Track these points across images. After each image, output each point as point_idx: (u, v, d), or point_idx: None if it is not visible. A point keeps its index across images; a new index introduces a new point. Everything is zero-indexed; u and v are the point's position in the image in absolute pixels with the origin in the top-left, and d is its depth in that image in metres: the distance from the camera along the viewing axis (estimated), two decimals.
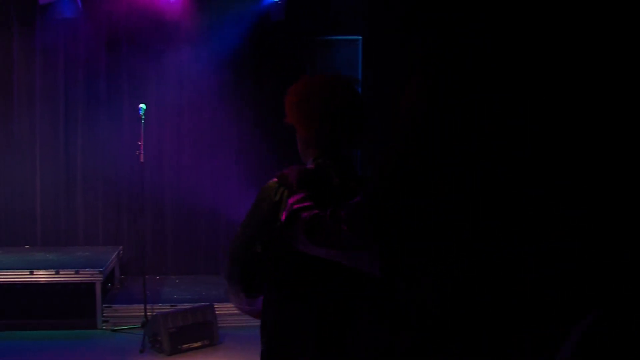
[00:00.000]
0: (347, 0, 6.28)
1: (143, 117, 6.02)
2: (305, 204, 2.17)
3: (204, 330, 6.00)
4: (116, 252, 7.16)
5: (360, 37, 5.95)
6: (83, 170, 7.56)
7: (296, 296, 2.35)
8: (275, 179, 2.35)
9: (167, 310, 6.23)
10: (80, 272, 6.39)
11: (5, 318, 6.50)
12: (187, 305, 6.27)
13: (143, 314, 6.19)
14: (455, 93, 1.72)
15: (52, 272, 6.38)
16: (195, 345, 5.90)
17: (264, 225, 2.31)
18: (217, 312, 6.11)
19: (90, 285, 7.02)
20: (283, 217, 2.20)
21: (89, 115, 7.51)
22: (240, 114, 7.27)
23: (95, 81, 7.52)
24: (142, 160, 6.01)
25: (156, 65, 7.50)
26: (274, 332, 2.40)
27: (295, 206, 2.17)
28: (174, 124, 7.52)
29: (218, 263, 7.51)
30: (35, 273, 6.37)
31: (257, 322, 2.83)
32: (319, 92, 2.36)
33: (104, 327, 6.38)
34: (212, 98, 7.45)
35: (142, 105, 6.06)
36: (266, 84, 6.88)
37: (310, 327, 2.32)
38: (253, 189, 4.77)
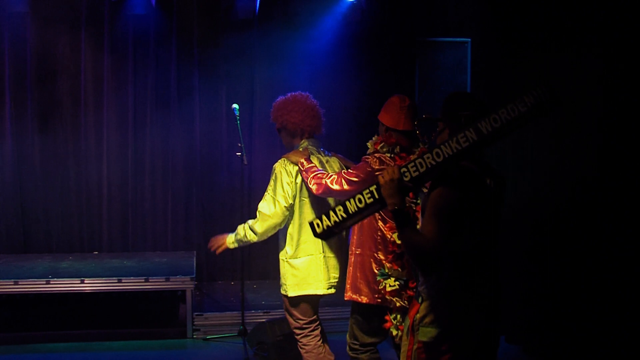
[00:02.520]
0: (456, 1, 6.24)
1: (238, 117, 5.80)
2: None
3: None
4: (194, 258, 6.94)
5: (469, 40, 5.89)
6: (151, 172, 7.35)
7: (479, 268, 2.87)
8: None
9: (262, 317, 6.09)
10: (171, 280, 6.15)
11: (93, 328, 6.29)
12: (281, 312, 6.12)
13: (239, 321, 5.99)
14: None
15: (142, 279, 6.13)
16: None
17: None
18: None
19: (179, 293, 6.97)
20: None
21: (158, 115, 7.28)
22: (345, 114, 7.12)
23: (165, 78, 7.29)
24: (245, 162, 5.81)
25: (227, 63, 7.29)
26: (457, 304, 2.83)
27: None
28: (246, 123, 7.33)
29: None
30: (123, 281, 6.11)
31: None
32: None
33: (195, 336, 6.16)
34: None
35: (235, 105, 5.83)
36: (372, 84, 6.76)
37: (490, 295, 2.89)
38: None
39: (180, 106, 7.26)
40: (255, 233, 4.22)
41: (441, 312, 2.82)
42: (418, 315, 2.88)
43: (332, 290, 4.33)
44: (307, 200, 4.25)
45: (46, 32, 7.07)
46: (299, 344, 4.41)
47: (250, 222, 4.26)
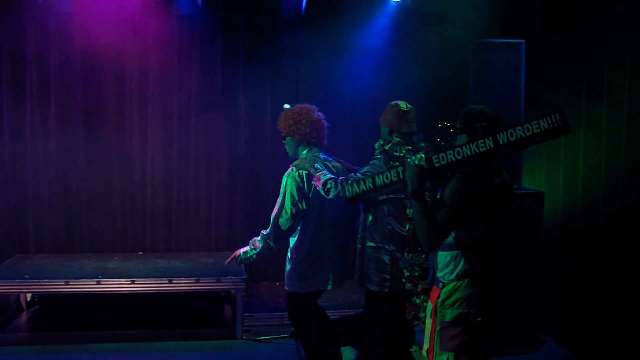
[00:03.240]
0: (510, 3, 6.21)
1: None
2: None
3: (359, 338, 5.85)
4: None
5: (523, 41, 5.85)
6: (195, 172, 7.34)
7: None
8: None
9: None
10: (222, 280, 6.13)
11: (142, 328, 6.30)
12: (331, 313, 6.10)
13: (290, 323, 5.97)
14: None
15: (193, 280, 6.12)
16: None
17: None
18: None
19: (222, 294, 7.06)
20: None
21: (203, 115, 7.27)
22: None
23: (210, 78, 7.27)
24: None
25: (272, 63, 7.25)
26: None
27: None
28: None
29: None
30: (174, 282, 6.10)
31: None
32: None
33: (245, 337, 6.14)
34: (349, 96, 7.29)
35: (287, 105, 5.81)
36: (425, 86, 6.73)
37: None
38: None
39: (224, 106, 7.24)
40: (271, 240, 4.54)
41: (459, 295, 3.37)
42: (440, 299, 3.42)
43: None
44: (319, 205, 4.60)
45: (91, 31, 7.04)
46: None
47: (264, 232, 4.59)
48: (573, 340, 6.00)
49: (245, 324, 6.18)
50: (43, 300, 7.07)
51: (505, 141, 3.27)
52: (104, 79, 7.15)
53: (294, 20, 7.16)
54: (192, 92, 7.25)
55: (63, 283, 6.06)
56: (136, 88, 7.20)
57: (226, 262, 4.80)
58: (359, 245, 4.51)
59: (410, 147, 4.31)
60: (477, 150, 3.31)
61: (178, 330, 6.27)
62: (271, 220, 4.56)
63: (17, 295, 6.78)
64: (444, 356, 3.41)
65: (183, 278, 6.13)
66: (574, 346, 5.92)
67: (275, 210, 4.55)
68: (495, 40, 5.92)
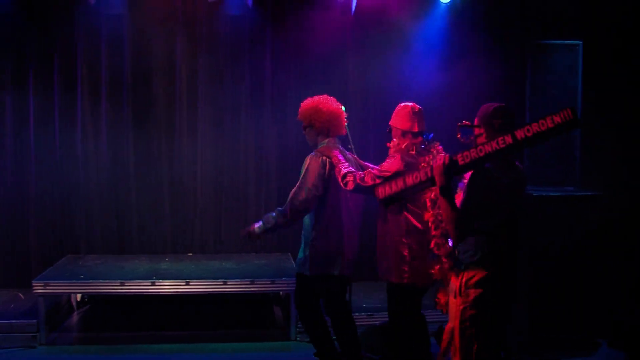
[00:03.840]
0: (567, 3, 6.17)
1: (347, 123, 5.76)
2: None
3: (415, 340, 5.81)
4: (291, 259, 6.92)
5: (581, 42, 5.80)
6: (245, 173, 7.36)
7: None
8: None
9: (365, 320, 6.05)
10: (276, 282, 6.15)
11: (195, 329, 6.34)
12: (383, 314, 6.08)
13: None
14: None
15: (247, 282, 6.13)
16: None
17: None
18: None
19: (271, 295, 7.07)
20: None
21: (252, 115, 7.29)
22: (449, 115, 7.05)
23: (259, 79, 7.29)
24: None
25: (322, 64, 7.28)
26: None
27: None
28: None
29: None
30: (229, 283, 6.11)
31: None
32: None
33: (298, 339, 6.13)
34: (397, 96, 7.18)
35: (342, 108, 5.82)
36: (481, 87, 6.70)
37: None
38: None
39: (274, 106, 7.25)
40: (285, 217, 4.69)
41: (481, 277, 3.69)
42: (463, 280, 3.75)
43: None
44: (338, 191, 4.70)
45: (142, 33, 7.10)
46: None
47: (279, 209, 4.73)
48: (628, 344, 5.93)
49: (298, 325, 6.17)
50: (92, 300, 7.12)
51: (523, 137, 3.56)
52: (154, 79, 7.19)
53: (344, 19, 7.14)
54: (242, 91, 7.26)
55: (118, 284, 6.09)
56: (186, 88, 7.23)
57: (241, 236, 4.96)
58: (378, 239, 4.68)
59: (423, 146, 4.57)
60: (498, 147, 3.60)
61: (230, 331, 6.29)
62: (289, 197, 4.70)
63: (69, 295, 6.82)
64: (468, 334, 3.74)
65: (238, 279, 6.14)
66: (628, 350, 5.86)
67: (294, 189, 4.70)
68: (552, 41, 5.87)
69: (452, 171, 3.69)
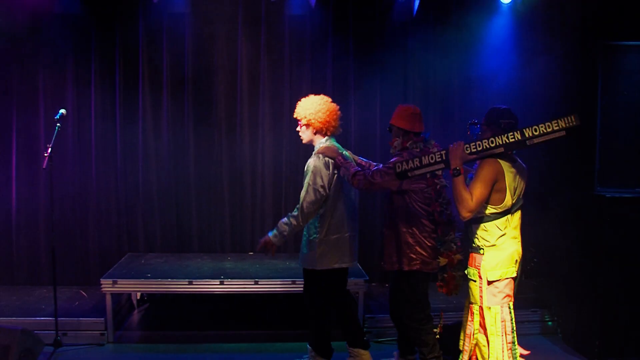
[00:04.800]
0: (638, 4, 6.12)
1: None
2: None
3: None
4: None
5: None
6: (295, 174, 7.32)
7: None
8: None
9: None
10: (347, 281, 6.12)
11: (262, 328, 6.38)
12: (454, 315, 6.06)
13: None
14: None
15: None
16: None
17: None
18: None
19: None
20: None
21: None
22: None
23: (321, 79, 7.27)
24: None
25: (382, 64, 7.27)
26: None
27: None
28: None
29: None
30: (297, 282, 6.11)
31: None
32: None
33: (366, 339, 6.10)
34: (457, 99, 7.32)
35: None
36: (551, 87, 6.68)
37: None
38: None
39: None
40: (298, 220, 4.88)
41: (498, 259, 4.31)
42: (483, 262, 4.34)
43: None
44: (339, 189, 4.98)
45: (204, 32, 7.11)
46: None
47: (292, 214, 4.91)
48: None
49: (366, 325, 6.17)
50: (152, 298, 7.14)
51: (530, 135, 4.15)
52: (215, 77, 7.19)
53: (404, 21, 7.14)
54: (303, 92, 7.19)
55: (186, 283, 6.12)
56: (247, 87, 7.23)
57: (257, 249, 5.07)
58: (385, 230, 4.98)
59: (423, 145, 4.87)
60: (507, 141, 4.19)
61: (297, 331, 6.26)
62: (300, 201, 4.88)
63: (129, 293, 6.83)
64: (493, 310, 4.35)
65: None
66: None
67: (303, 192, 4.89)
68: (625, 42, 5.85)
69: (464, 156, 4.20)
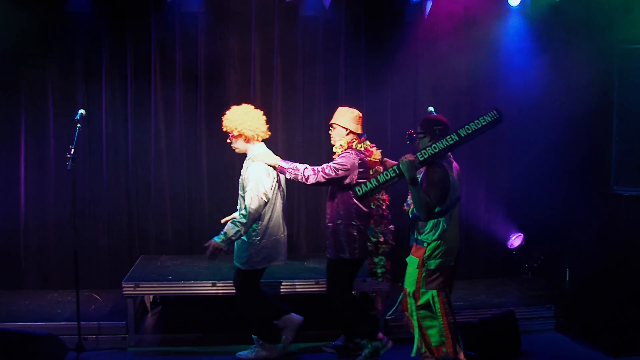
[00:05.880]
0: None
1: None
2: None
3: (510, 337, 5.94)
4: None
5: None
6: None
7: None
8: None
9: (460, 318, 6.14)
10: (368, 281, 6.11)
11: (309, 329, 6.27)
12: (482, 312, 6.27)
13: None
14: None
15: None
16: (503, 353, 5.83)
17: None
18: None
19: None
20: None
21: (327, 117, 7.22)
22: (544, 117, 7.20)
23: (333, 80, 7.31)
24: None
25: (392, 66, 7.33)
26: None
27: None
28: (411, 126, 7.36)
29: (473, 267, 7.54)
30: (320, 282, 6.11)
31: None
32: None
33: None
34: (467, 100, 7.45)
35: (431, 108, 5.92)
36: (568, 90, 6.82)
37: None
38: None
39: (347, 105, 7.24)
40: (246, 226, 5.11)
41: (440, 250, 4.69)
42: (426, 254, 4.70)
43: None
44: (276, 194, 5.31)
45: (216, 32, 7.07)
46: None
47: (239, 220, 5.12)
48: None
49: (389, 324, 6.22)
50: (165, 301, 7.05)
51: (465, 134, 4.60)
52: (228, 78, 7.16)
53: (416, 22, 7.22)
54: (315, 93, 7.28)
55: (210, 285, 6.09)
56: (260, 88, 7.21)
57: (207, 255, 5.16)
58: (329, 224, 5.38)
59: (367, 144, 5.42)
60: (447, 143, 4.60)
61: (319, 331, 6.25)
62: (246, 208, 5.10)
63: (142, 296, 6.74)
64: (429, 293, 4.71)
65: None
66: None
67: (248, 201, 5.10)
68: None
69: (416, 166, 4.55)
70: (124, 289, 6.00)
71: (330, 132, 5.53)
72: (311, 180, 5.19)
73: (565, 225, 7.13)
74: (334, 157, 5.42)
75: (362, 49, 7.27)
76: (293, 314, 5.64)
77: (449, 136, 4.62)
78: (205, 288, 6.06)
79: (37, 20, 6.76)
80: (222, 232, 5.12)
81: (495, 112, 4.64)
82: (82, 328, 5.73)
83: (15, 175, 6.94)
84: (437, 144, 4.61)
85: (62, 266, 7.05)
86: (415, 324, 4.83)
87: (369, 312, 5.79)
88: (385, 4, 7.21)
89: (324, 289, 5.76)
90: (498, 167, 7.59)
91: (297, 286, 6.18)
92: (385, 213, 5.44)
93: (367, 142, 5.46)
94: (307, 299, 6.33)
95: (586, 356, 5.92)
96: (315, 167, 5.23)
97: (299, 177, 5.20)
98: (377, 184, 4.76)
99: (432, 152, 4.61)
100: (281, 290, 6.14)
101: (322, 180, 5.20)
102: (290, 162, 5.28)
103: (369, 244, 5.40)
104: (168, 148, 7.11)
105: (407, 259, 4.89)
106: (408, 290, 4.83)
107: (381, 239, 5.41)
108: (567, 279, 6.66)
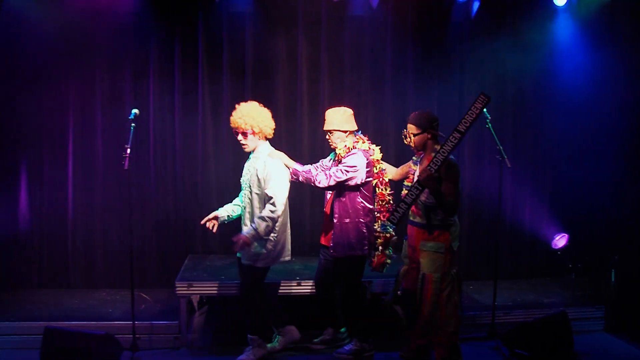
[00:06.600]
0: None
1: (489, 119, 5.85)
2: None
3: (563, 337, 5.92)
4: None
5: None
6: None
7: None
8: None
9: (503, 317, 6.23)
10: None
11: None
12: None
13: (490, 322, 6.10)
14: None
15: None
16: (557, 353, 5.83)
17: None
18: None
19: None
20: None
21: (374, 118, 7.31)
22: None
23: (379, 80, 7.30)
24: (509, 165, 5.86)
25: (440, 65, 7.34)
26: None
27: None
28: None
29: (508, 267, 7.52)
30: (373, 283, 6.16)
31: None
32: None
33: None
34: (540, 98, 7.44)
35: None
36: (624, 89, 6.84)
37: None
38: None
39: (393, 106, 7.28)
40: (274, 221, 5.17)
41: (457, 231, 5.14)
42: (451, 236, 5.06)
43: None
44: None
45: (264, 31, 7.08)
46: None
47: (268, 215, 5.11)
48: None
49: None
50: (210, 301, 7.03)
51: (465, 128, 4.75)
52: (275, 78, 7.17)
53: (463, 22, 7.22)
54: (362, 92, 7.27)
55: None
56: (307, 88, 7.21)
57: (237, 251, 5.23)
58: (337, 223, 5.38)
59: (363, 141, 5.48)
60: (454, 143, 4.75)
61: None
62: (275, 203, 5.10)
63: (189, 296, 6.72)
64: (452, 274, 5.06)
65: (379, 279, 6.18)
66: None
67: (277, 194, 5.11)
68: None
69: (435, 178, 4.79)
70: (177, 288, 6.00)
71: (328, 137, 5.52)
72: (323, 184, 5.25)
73: (611, 226, 7.12)
74: (338, 157, 5.43)
75: (409, 48, 7.27)
76: (294, 327, 5.69)
77: (451, 136, 4.75)
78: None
79: (86, 21, 6.78)
80: (251, 227, 5.12)
81: (483, 96, 4.74)
82: (136, 327, 5.72)
83: (63, 175, 6.96)
84: (444, 147, 4.77)
85: (108, 265, 7.08)
86: (434, 307, 5.02)
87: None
88: (432, 4, 7.20)
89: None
90: (542, 166, 7.58)
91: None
92: (391, 208, 5.48)
93: (367, 142, 5.50)
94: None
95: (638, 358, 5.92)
96: (326, 172, 5.31)
97: (312, 181, 5.26)
98: (406, 207, 4.96)
99: (443, 158, 4.78)
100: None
101: (334, 183, 5.27)
102: (301, 165, 5.36)
103: (379, 238, 5.44)
104: (215, 147, 7.12)
105: (427, 246, 5.06)
106: (435, 276, 5.00)
107: (392, 233, 5.48)
108: (613, 279, 6.63)
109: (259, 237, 5.13)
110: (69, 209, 6.98)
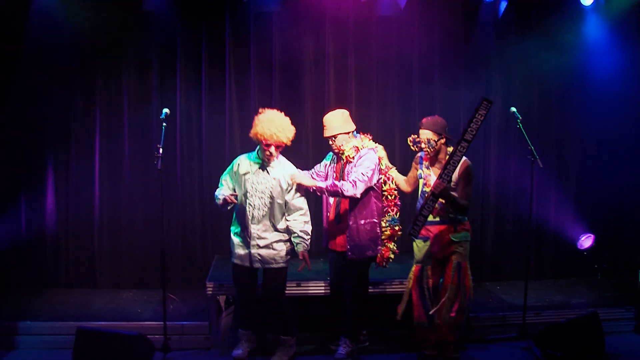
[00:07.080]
0: None
1: (520, 119, 5.86)
2: None
3: (595, 338, 5.91)
4: None
5: None
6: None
7: None
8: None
9: (534, 317, 6.22)
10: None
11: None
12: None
13: (517, 323, 6.10)
14: None
15: None
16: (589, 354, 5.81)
17: None
18: None
19: None
20: None
21: (399, 119, 7.32)
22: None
23: (406, 80, 7.28)
24: (541, 165, 5.84)
25: (466, 65, 7.31)
26: None
27: None
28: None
29: (533, 267, 7.51)
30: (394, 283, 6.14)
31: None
32: None
33: (471, 337, 6.16)
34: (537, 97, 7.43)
35: (513, 108, 5.93)
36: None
37: None
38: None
39: (421, 106, 7.25)
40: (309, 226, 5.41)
41: (468, 227, 5.37)
42: (458, 228, 5.30)
43: None
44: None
45: (291, 31, 7.05)
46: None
47: (306, 229, 5.39)
48: None
49: (470, 324, 6.20)
50: (237, 301, 7.00)
51: (472, 136, 4.86)
52: (302, 78, 7.16)
53: (489, 22, 7.21)
54: (389, 92, 7.25)
55: (294, 285, 6.09)
56: (334, 88, 7.19)
57: (302, 268, 5.44)
58: (352, 225, 5.39)
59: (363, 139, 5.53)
60: (462, 153, 4.92)
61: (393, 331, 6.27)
62: (305, 214, 5.41)
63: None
64: (468, 262, 5.38)
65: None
66: None
67: (303, 207, 5.40)
68: None
69: (450, 187, 5.04)
70: (208, 288, 5.98)
71: (331, 143, 5.48)
72: (351, 192, 5.27)
73: (637, 226, 7.11)
74: (346, 158, 5.45)
75: (436, 48, 7.24)
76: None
77: (460, 145, 4.88)
78: (290, 288, 6.01)
79: (114, 20, 6.79)
80: (301, 242, 5.34)
81: (486, 102, 4.77)
82: (167, 328, 5.71)
83: (90, 175, 6.95)
84: (454, 157, 4.93)
85: (134, 265, 7.06)
86: (463, 291, 5.36)
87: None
88: (459, 4, 7.18)
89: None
90: (568, 166, 7.56)
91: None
92: (397, 202, 5.55)
93: (371, 140, 5.57)
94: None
95: None
96: (349, 180, 5.30)
97: (340, 193, 5.29)
98: (424, 219, 5.13)
99: (454, 168, 4.97)
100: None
101: (362, 189, 5.31)
102: (321, 181, 5.51)
103: (388, 233, 5.49)
104: (242, 145, 7.07)
105: (459, 237, 5.29)
106: (468, 264, 5.39)
107: (399, 227, 5.53)
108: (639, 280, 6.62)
109: (307, 247, 5.38)
110: (96, 208, 6.97)
